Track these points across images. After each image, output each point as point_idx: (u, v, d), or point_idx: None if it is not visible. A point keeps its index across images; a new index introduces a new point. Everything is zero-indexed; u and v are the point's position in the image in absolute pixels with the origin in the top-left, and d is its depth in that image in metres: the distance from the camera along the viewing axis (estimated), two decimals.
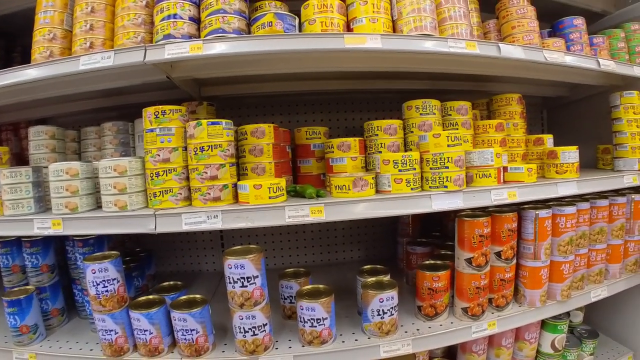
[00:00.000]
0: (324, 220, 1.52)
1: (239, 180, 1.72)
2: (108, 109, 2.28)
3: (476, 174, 1.68)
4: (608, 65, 1.96)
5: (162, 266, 2.47)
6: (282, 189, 1.58)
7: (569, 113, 2.65)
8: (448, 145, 1.58)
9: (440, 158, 1.58)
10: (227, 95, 2.17)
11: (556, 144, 2.05)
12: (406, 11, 1.63)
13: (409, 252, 2.05)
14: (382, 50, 1.54)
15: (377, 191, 1.64)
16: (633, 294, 2.34)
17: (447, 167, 1.58)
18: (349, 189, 1.58)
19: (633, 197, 2.16)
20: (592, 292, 2.06)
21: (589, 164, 2.43)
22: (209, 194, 1.55)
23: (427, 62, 1.79)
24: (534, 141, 2.01)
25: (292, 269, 1.94)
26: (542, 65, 1.84)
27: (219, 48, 1.52)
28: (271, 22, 1.60)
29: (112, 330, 1.61)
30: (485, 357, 1.98)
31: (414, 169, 1.59)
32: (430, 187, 1.61)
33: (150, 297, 1.74)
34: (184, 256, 2.43)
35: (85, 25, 1.76)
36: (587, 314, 2.58)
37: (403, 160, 1.57)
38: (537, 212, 1.80)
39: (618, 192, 2.16)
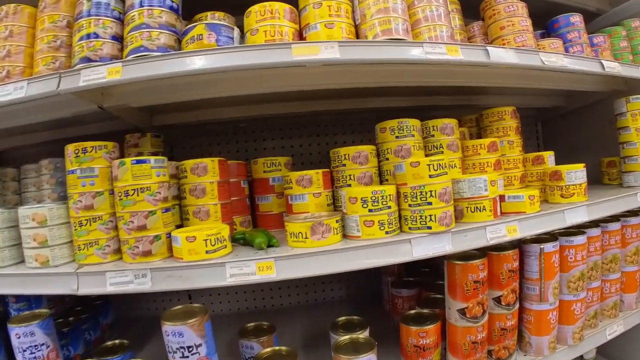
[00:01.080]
0: (275, 279, 1.10)
1: (182, 226, 1.31)
2: (55, 142, 1.85)
3: (467, 208, 1.25)
4: (613, 67, 1.53)
5: (127, 311, 2.02)
6: (224, 240, 1.17)
7: (567, 124, 2.20)
8: (430, 176, 1.15)
9: (421, 192, 1.15)
10: (182, 123, 1.74)
11: (556, 160, 1.62)
12: (370, 13, 1.21)
13: (394, 295, 1.61)
14: (341, 62, 1.13)
15: (345, 236, 1.21)
16: None
17: (429, 203, 1.14)
18: (306, 237, 1.15)
19: None
20: (608, 329, 1.62)
21: (592, 180, 1.98)
22: (138, 247, 1.16)
23: (401, 75, 1.37)
24: (533, 160, 1.57)
25: (253, 324, 1.50)
26: (538, 72, 1.42)
27: (140, 70, 1.12)
28: (201, 34, 1.19)
29: None
30: None
31: (389, 207, 1.16)
32: (410, 228, 1.19)
33: None
34: (148, 300, 1.99)
35: (2, 51, 1.38)
36: (604, 347, 2.13)
37: (374, 198, 1.15)
38: (542, 247, 1.37)
39: (630, 212, 1.72)
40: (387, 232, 1.16)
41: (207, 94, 1.39)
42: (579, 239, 1.44)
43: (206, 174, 1.33)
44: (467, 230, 1.20)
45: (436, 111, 1.84)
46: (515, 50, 1.30)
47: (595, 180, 1.98)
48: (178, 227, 1.37)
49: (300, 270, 1.11)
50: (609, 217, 1.65)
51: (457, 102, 1.79)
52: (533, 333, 1.44)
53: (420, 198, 1.15)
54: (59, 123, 1.59)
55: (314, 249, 1.13)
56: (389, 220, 1.16)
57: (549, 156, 1.55)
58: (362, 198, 1.16)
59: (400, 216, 1.22)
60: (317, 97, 1.62)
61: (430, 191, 1.15)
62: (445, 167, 1.17)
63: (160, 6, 1.26)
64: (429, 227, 1.15)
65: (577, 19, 1.56)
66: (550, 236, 1.45)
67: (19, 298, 1.51)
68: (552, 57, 1.37)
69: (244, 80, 1.33)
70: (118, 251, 1.22)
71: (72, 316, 1.62)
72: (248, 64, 1.12)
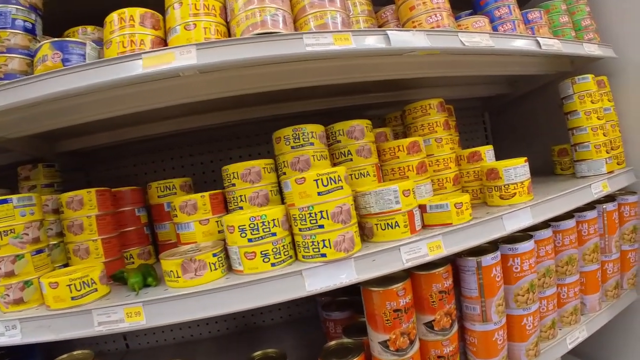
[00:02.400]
0: (145, 327, 0.83)
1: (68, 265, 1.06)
2: None
3: (377, 225, 0.93)
4: (551, 45, 1.20)
5: (53, 350, 1.72)
6: (93, 283, 0.90)
7: (515, 113, 1.84)
8: (319, 193, 0.83)
9: (310, 213, 0.83)
10: (92, 146, 1.43)
11: (504, 151, 1.30)
12: (238, 6, 0.90)
13: (326, 319, 1.29)
14: (198, 67, 0.83)
15: (232, 270, 0.90)
16: (621, 316, 1.55)
17: (321, 226, 0.83)
18: (178, 276, 0.84)
19: (604, 207, 1.38)
20: (568, 338, 1.30)
21: (545, 170, 1.64)
22: (8, 295, 0.91)
23: (289, 74, 1.04)
24: (468, 157, 1.23)
25: None
26: (461, 56, 1.08)
27: None
28: (46, 55, 0.91)
29: None
30: None
31: (273, 234, 0.85)
32: (304, 257, 0.87)
33: None
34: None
35: None
36: None
37: (252, 225, 0.83)
38: (478, 260, 1.04)
39: (586, 205, 1.38)
40: (273, 264, 0.85)
41: (82, 118, 1.09)
42: (525, 246, 1.11)
43: (82, 207, 1.04)
44: (376, 253, 0.88)
45: (367, 111, 1.52)
46: (426, 32, 0.98)
47: (549, 171, 1.63)
48: (64, 266, 1.08)
49: (171, 315, 0.84)
50: (561, 214, 1.32)
51: (389, 99, 1.45)
52: (479, 356, 1.12)
53: (310, 221, 0.84)
54: None
55: (188, 290, 0.83)
56: (274, 249, 0.85)
57: (486, 151, 1.22)
58: (239, 226, 0.84)
59: (294, 242, 0.90)
60: (218, 108, 1.30)
61: (321, 211, 0.83)
62: (339, 180, 0.84)
63: (7, 28, 0.97)
64: (324, 255, 0.84)
65: None
66: (491, 245, 1.12)
67: None
68: (474, 37, 1.04)
69: (110, 101, 1.03)
70: None
71: None
72: (93, 83, 0.83)
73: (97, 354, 1.66)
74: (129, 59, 0.83)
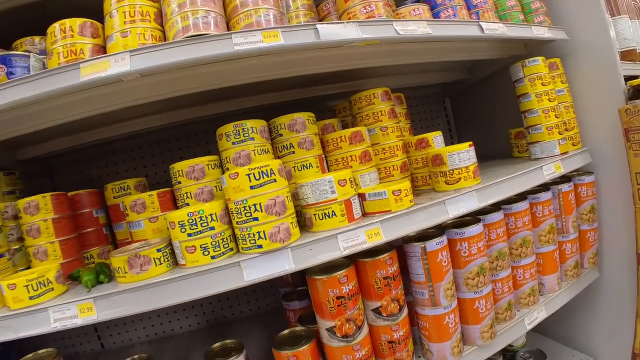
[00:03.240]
0: (96, 321, 0.90)
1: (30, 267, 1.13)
2: None
3: (315, 215, 0.99)
4: (495, 29, 1.25)
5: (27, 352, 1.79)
6: (49, 282, 0.98)
7: (474, 98, 1.90)
8: (252, 187, 0.89)
9: (245, 207, 0.89)
10: (53, 151, 1.49)
11: (466, 136, 1.36)
12: (171, 10, 0.96)
13: (286, 309, 1.36)
14: (135, 72, 0.88)
15: (177, 264, 0.96)
16: (584, 294, 1.64)
17: (256, 219, 0.89)
18: (125, 272, 0.90)
19: (560, 188, 1.45)
20: (526, 319, 1.37)
21: (505, 154, 1.71)
22: None
23: (223, 74, 1.10)
24: (416, 144, 1.30)
25: (137, 357, 1.26)
26: (399, 45, 1.14)
27: None
28: None
29: None
30: None
31: (212, 228, 0.91)
32: (243, 249, 0.94)
33: None
34: (56, 340, 1.75)
35: None
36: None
37: (191, 220, 0.89)
38: (423, 245, 1.10)
39: (541, 186, 1.44)
40: (213, 257, 0.91)
41: (35, 126, 1.16)
42: (472, 230, 1.17)
43: (38, 211, 1.10)
44: (312, 242, 0.94)
45: (325, 102, 1.57)
46: (358, 23, 1.03)
47: (508, 154, 1.70)
48: (27, 269, 1.15)
49: (120, 309, 0.91)
50: (514, 197, 1.38)
51: (340, 89, 1.50)
52: (432, 340, 1.18)
53: (245, 214, 0.90)
54: None
55: (134, 284, 0.90)
56: (213, 242, 0.91)
57: (434, 137, 1.28)
58: (179, 222, 0.91)
59: (234, 235, 0.96)
60: (167, 109, 1.36)
61: (255, 204, 0.89)
62: (272, 173, 0.90)
63: None
64: (260, 246, 0.90)
65: None
66: (437, 230, 1.18)
67: None
68: (410, 25, 1.10)
69: (60, 108, 1.10)
70: None
71: None
72: (37, 94, 0.90)
73: (73, 355, 1.75)
74: (68, 68, 0.89)
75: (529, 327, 1.37)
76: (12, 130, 1.20)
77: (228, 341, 1.23)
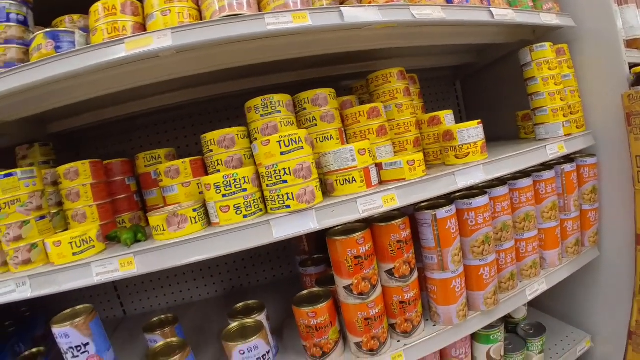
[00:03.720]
0: (136, 274, 1.02)
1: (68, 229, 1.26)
2: None
3: (336, 181, 1.11)
4: (504, 15, 1.36)
5: None
6: (91, 240, 1.10)
7: (484, 81, 2.01)
8: (282, 153, 1.01)
9: (275, 171, 1.01)
10: (81, 126, 1.61)
11: (475, 118, 1.46)
12: None
13: (302, 274, 1.49)
14: (175, 48, 1.00)
15: (211, 224, 1.09)
16: (582, 272, 1.76)
17: (285, 182, 1.01)
18: (163, 230, 1.03)
19: (563, 168, 1.56)
20: (528, 290, 1.49)
21: (512, 135, 1.82)
22: (17, 257, 1.09)
23: (256, 51, 1.21)
24: (429, 121, 1.41)
25: (158, 318, 1.41)
26: (415, 28, 1.25)
27: None
28: (40, 44, 1.09)
29: None
30: None
31: (244, 190, 1.03)
32: (272, 209, 1.06)
33: None
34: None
35: None
36: (538, 299, 2.00)
37: (226, 182, 1.02)
38: (434, 213, 1.22)
39: (545, 165, 1.56)
40: (245, 216, 1.04)
41: (72, 99, 1.27)
42: (479, 201, 1.29)
43: (78, 177, 1.23)
44: (334, 204, 1.06)
45: (341, 82, 1.69)
46: (378, 7, 1.14)
47: (514, 135, 1.81)
48: (64, 231, 1.28)
49: (159, 262, 1.02)
50: (519, 174, 1.50)
51: (358, 69, 1.61)
52: (439, 303, 1.31)
53: (275, 177, 1.02)
54: None
55: (172, 240, 1.02)
56: (245, 203, 1.03)
57: (445, 115, 1.39)
58: (215, 184, 1.03)
59: (263, 197, 1.08)
60: (197, 84, 1.48)
61: (284, 169, 1.01)
62: (299, 141, 1.02)
63: (3, 22, 1.16)
64: (288, 206, 1.02)
65: None
66: (447, 200, 1.30)
67: None
68: (425, 10, 1.20)
69: (98, 82, 1.21)
70: (5, 263, 1.13)
71: (1, 330, 1.56)
72: (83, 67, 1.00)
73: None
74: (113, 43, 1.00)
75: (530, 298, 1.49)
76: (48, 103, 1.31)
77: (250, 302, 1.36)
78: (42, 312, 1.79)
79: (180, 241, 1.01)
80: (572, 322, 1.94)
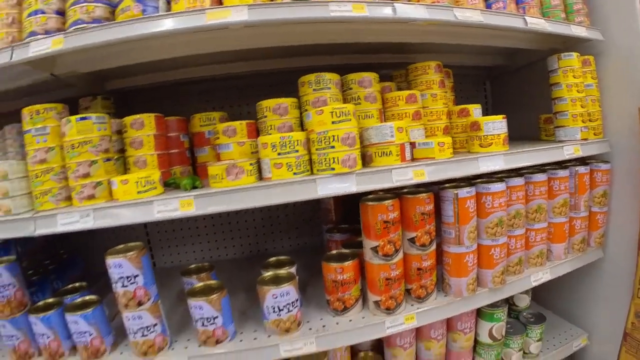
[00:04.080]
0: (194, 214, 1.21)
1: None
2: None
3: (375, 153, 1.30)
4: (537, 23, 1.52)
5: (96, 266, 2.14)
6: (154, 182, 1.29)
7: (512, 82, 2.17)
8: (333, 122, 1.20)
9: (325, 137, 1.20)
10: (135, 86, 1.82)
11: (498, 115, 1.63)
12: None
13: (329, 240, 1.68)
14: (250, 23, 1.18)
15: (261, 178, 1.28)
16: (585, 271, 1.92)
17: (332, 147, 1.20)
18: (222, 178, 1.22)
19: (577, 169, 1.72)
20: (532, 277, 1.65)
21: (534, 137, 1.98)
22: (83, 192, 1.27)
23: (317, 33, 1.40)
24: (458, 112, 1.58)
25: (195, 265, 1.61)
26: (456, 28, 1.42)
27: (77, 40, 1.22)
28: (129, 6, 1.27)
29: (13, 336, 1.37)
30: (414, 350, 1.60)
31: (296, 151, 1.22)
32: (318, 170, 1.25)
33: (49, 300, 1.47)
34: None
35: None
36: (538, 294, 2.17)
37: (282, 143, 1.21)
38: (456, 192, 1.40)
39: (561, 165, 1.72)
40: (295, 173, 1.22)
41: (144, 58, 1.47)
42: (497, 187, 1.46)
43: (143, 128, 1.43)
44: (372, 172, 1.24)
45: (380, 69, 1.87)
46: (426, 6, 1.32)
47: (536, 137, 1.97)
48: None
49: (216, 205, 1.21)
50: (536, 170, 1.66)
51: (398, 60, 1.79)
52: (452, 275, 1.48)
53: (325, 142, 1.20)
54: (19, 93, 1.68)
55: (228, 188, 1.20)
56: (296, 162, 1.22)
57: (474, 109, 1.57)
58: (271, 143, 1.22)
59: (310, 160, 1.27)
60: (252, 58, 1.68)
61: (333, 136, 1.19)
62: (348, 114, 1.21)
63: None
64: (333, 169, 1.20)
65: None
66: (468, 183, 1.47)
67: None
68: (466, 12, 1.38)
69: (174, 45, 1.40)
70: (69, 198, 1.33)
71: (41, 268, 1.77)
72: (166, 29, 1.19)
73: None
74: (197, 12, 1.19)
75: (534, 284, 1.65)
76: (119, 60, 1.49)
77: (281, 257, 1.55)
78: (77, 255, 2.01)
79: (238, 189, 1.20)
80: (571, 319, 2.09)
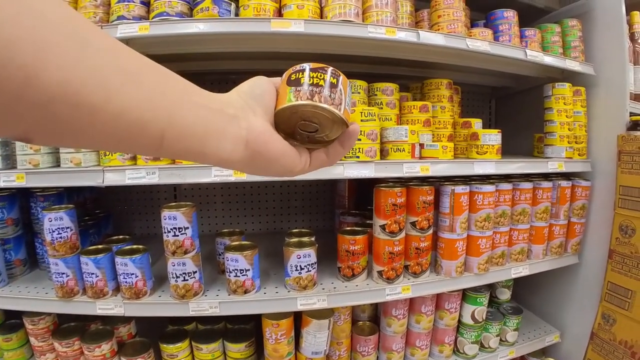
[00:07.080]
0: (245, 182, 1.72)
1: None
2: None
3: (391, 148, 1.84)
4: (535, 56, 2.09)
5: (123, 229, 2.66)
6: None
7: (515, 103, 2.75)
8: (361, 120, 1.74)
9: None
10: (185, 71, 2.35)
11: (503, 134, 2.17)
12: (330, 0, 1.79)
13: (342, 221, 2.22)
14: (304, 34, 1.71)
15: None
16: (561, 273, 2.47)
17: (359, 140, 1.74)
18: None
19: (560, 183, 2.28)
20: (513, 270, 2.20)
21: (528, 153, 2.55)
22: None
23: (355, 46, 1.95)
24: (462, 124, 2.14)
25: (228, 230, 2.13)
26: (467, 53, 1.97)
27: (162, 29, 1.72)
28: (208, 7, 1.78)
29: (63, 274, 1.82)
30: (406, 322, 2.14)
31: None
32: (345, 157, 1.78)
33: (100, 246, 1.96)
34: (141, 220, 2.64)
35: None
36: (517, 292, 2.72)
37: None
38: (453, 188, 1.95)
39: (547, 177, 2.28)
40: None
41: (209, 49, 2.00)
42: (487, 188, 2.01)
43: None
44: (388, 163, 1.79)
45: (398, 80, 2.43)
46: (444, 35, 1.87)
47: (530, 153, 2.54)
48: None
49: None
50: (524, 179, 2.22)
51: (415, 73, 2.36)
52: (444, 257, 2.03)
53: None
54: None
55: None
56: None
57: (476, 123, 2.12)
58: None
59: None
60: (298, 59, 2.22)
61: (361, 131, 1.74)
62: (374, 115, 1.76)
63: None
64: (358, 157, 1.75)
65: (510, 14, 2.10)
66: (463, 182, 2.03)
67: (46, 198, 2.14)
68: (477, 42, 1.94)
69: (237, 42, 1.93)
70: (133, 158, 1.82)
71: (82, 222, 2.27)
72: (238, 30, 1.72)
73: (152, 234, 2.62)
74: (264, 20, 1.72)
75: (513, 276, 2.21)
76: (176, 48, 2.04)
77: (303, 229, 2.09)
78: (110, 215, 2.53)
79: None
80: (546, 317, 2.66)
